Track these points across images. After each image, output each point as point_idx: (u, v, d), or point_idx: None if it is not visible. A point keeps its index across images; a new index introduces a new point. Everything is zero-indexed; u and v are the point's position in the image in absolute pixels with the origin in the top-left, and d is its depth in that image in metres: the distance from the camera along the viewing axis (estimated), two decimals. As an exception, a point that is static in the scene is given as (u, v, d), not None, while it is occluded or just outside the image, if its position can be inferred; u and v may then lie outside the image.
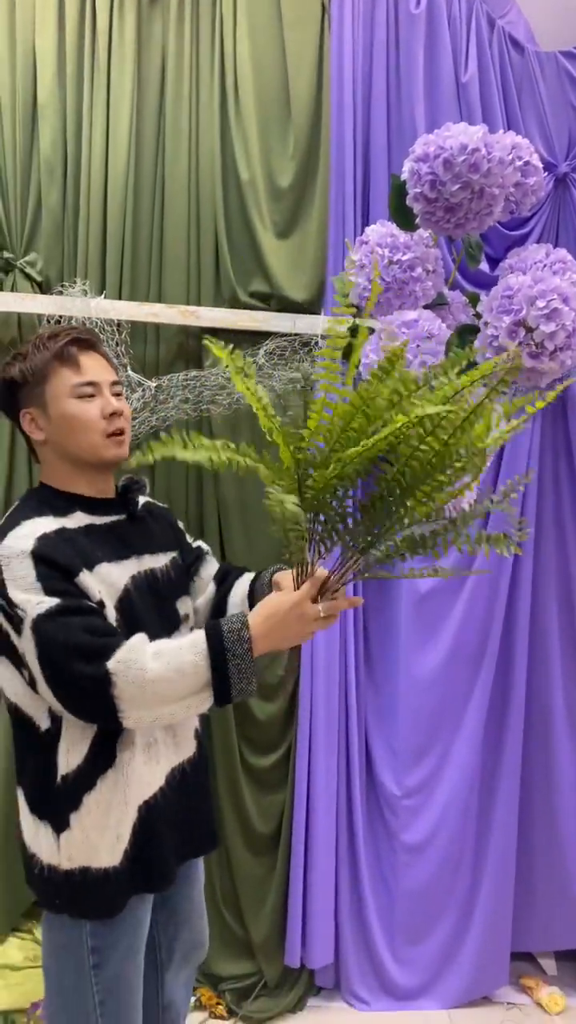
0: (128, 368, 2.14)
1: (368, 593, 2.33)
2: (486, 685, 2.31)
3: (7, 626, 1.30)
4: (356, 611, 2.29)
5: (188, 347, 2.21)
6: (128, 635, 1.30)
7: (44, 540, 1.31)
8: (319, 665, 2.22)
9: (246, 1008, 2.24)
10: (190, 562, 1.64)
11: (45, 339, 1.43)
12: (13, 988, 2.13)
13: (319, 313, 2.19)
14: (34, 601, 1.26)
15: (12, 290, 2.14)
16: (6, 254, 2.15)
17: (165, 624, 1.46)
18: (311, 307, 2.19)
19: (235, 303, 2.18)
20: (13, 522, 1.35)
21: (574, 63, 2.21)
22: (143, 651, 1.26)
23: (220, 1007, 2.25)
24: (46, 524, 1.35)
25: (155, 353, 2.22)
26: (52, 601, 1.26)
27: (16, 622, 1.28)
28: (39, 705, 1.35)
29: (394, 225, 1.78)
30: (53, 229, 2.17)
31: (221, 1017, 2.24)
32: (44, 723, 1.36)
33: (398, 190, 1.73)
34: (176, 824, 1.46)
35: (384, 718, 2.35)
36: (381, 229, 1.76)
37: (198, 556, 1.66)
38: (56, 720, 1.35)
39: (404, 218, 1.74)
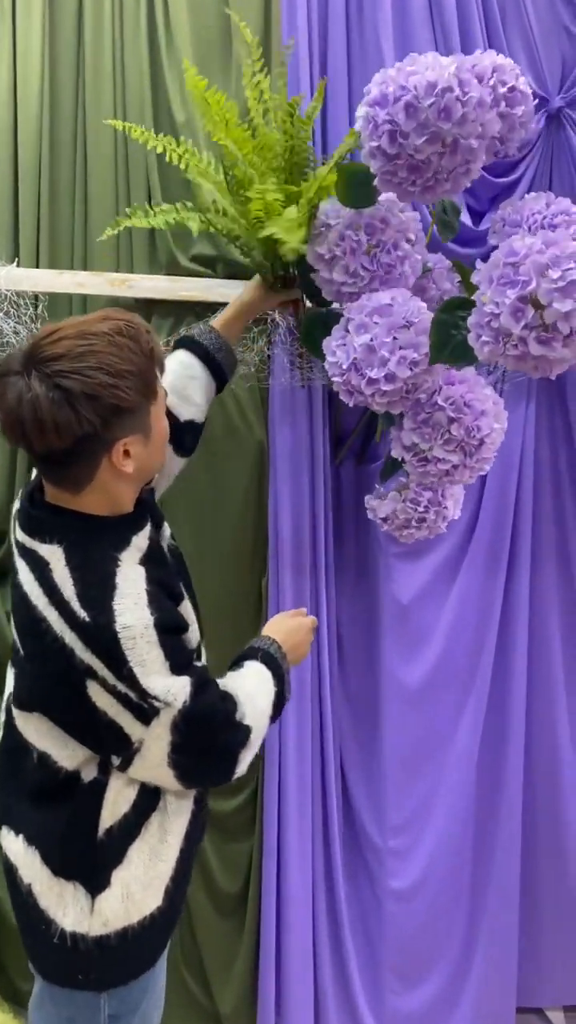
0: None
1: (342, 606, 2.03)
2: (479, 707, 2.02)
3: (118, 708, 1.13)
4: (329, 629, 1.99)
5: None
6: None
7: (154, 600, 1.15)
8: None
9: None
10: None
11: (131, 335, 1.13)
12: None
13: (274, 279, 1.87)
14: (173, 690, 1.14)
15: None
16: None
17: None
18: (264, 272, 1.87)
19: (174, 269, 1.87)
20: (103, 582, 1.13)
21: (566, -23, 1.89)
22: (248, 695, 1.25)
23: None
24: (136, 574, 1.15)
25: (82, 331, 1.90)
26: (186, 683, 1.15)
27: (144, 712, 1.13)
28: (83, 755, 1.20)
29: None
30: (-46, 189, 1.84)
31: None
32: (90, 774, 1.21)
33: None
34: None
35: (364, 750, 2.06)
36: (343, 209, 1.42)
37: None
38: (105, 769, 1.21)
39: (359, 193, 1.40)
